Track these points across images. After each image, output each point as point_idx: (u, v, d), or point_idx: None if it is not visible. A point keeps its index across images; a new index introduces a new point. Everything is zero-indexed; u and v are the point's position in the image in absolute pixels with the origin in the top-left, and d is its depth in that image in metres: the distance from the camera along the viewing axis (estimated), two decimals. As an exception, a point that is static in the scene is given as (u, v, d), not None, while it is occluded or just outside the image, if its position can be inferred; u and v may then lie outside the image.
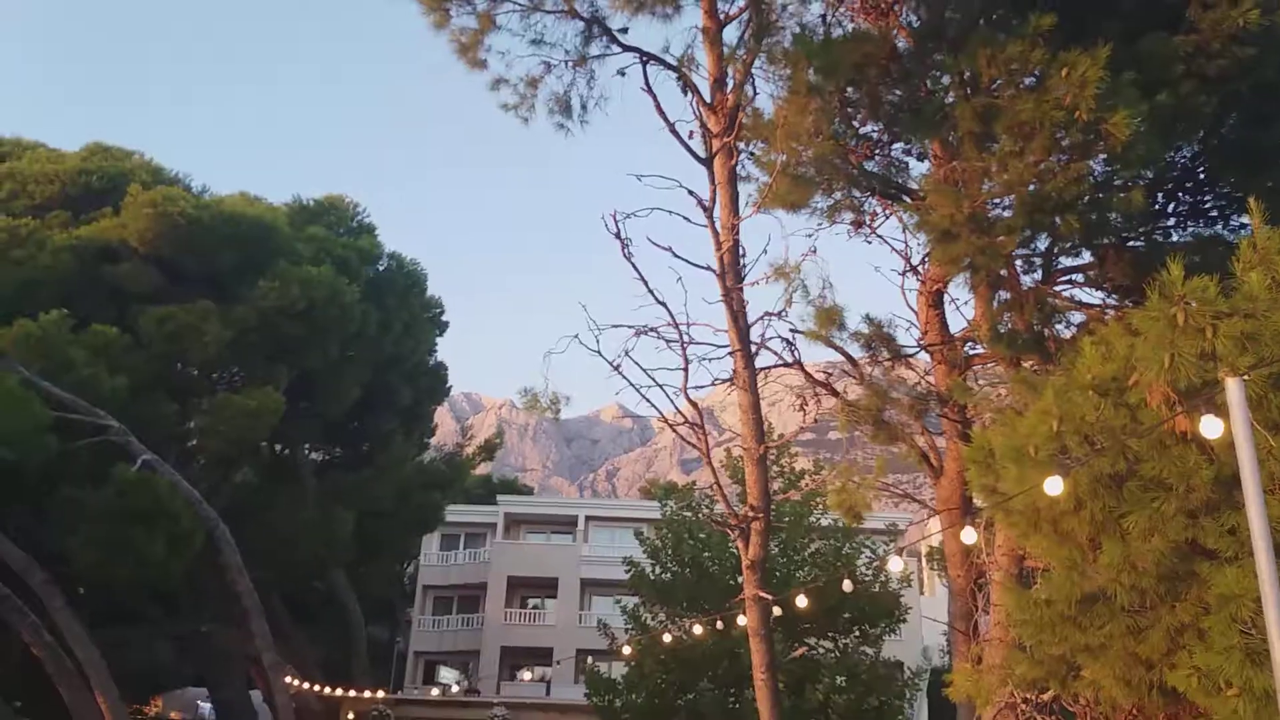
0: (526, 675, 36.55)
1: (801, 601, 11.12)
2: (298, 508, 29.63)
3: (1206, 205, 11.85)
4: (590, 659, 28.91)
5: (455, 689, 41.09)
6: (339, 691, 30.55)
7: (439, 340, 36.29)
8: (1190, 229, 12.07)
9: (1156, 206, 11.76)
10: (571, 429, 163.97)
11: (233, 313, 26.22)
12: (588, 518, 46.14)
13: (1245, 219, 8.93)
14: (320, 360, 28.65)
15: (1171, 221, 12.16)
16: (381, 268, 33.38)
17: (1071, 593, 7.03)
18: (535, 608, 44.41)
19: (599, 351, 12.69)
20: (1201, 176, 11.84)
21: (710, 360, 13.27)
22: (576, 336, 12.72)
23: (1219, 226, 11.61)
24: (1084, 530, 7.16)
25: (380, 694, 33.55)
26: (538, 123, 13.43)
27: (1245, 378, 5.55)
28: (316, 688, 29.27)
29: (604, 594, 40.85)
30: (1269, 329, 6.24)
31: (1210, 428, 5.54)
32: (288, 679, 27.05)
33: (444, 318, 36.30)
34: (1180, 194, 11.90)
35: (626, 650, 19.15)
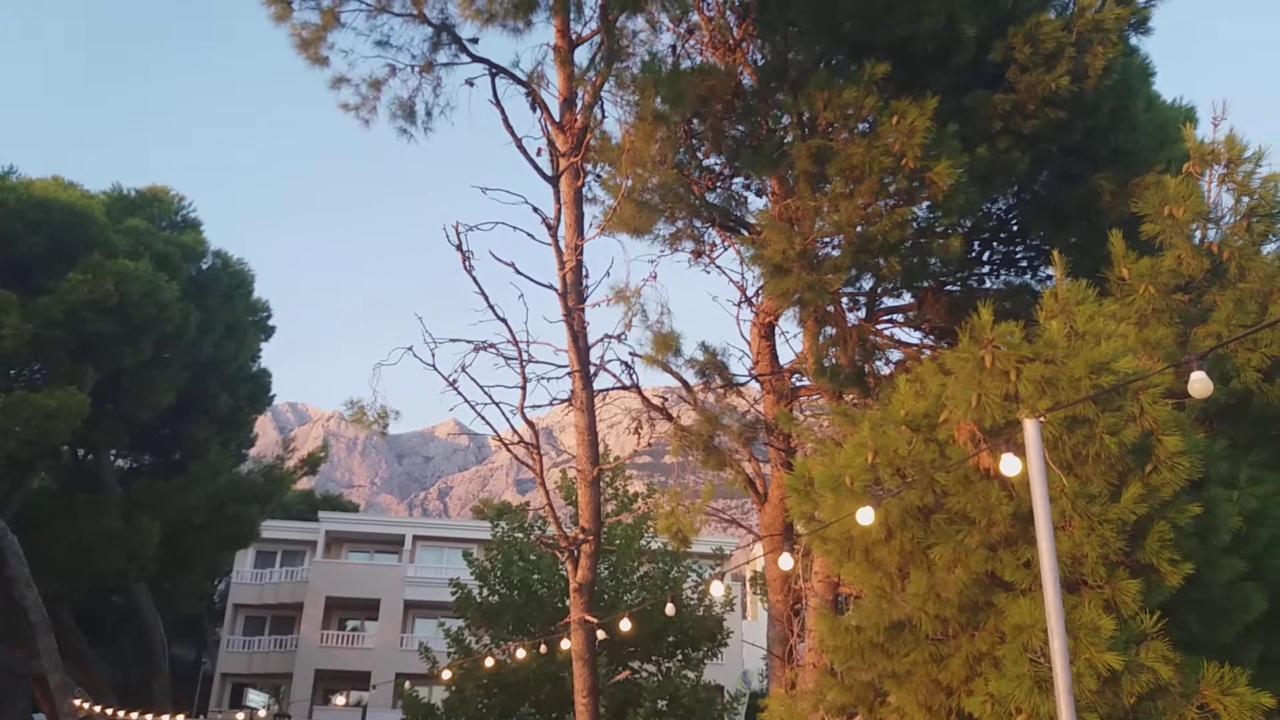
0: (340, 700, 35.11)
1: (626, 625, 11.09)
2: (100, 517, 27.58)
3: (1018, 256, 12.66)
4: (409, 683, 28.03)
5: (263, 713, 39.05)
6: (134, 715, 28.47)
7: (264, 345, 34.68)
8: (1002, 277, 12.87)
9: (973, 254, 12.47)
10: (404, 445, 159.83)
11: (35, 305, 24.26)
12: (415, 537, 44.88)
13: (1051, 270, 9.58)
14: (132, 360, 26.85)
15: (986, 269, 12.93)
16: (206, 266, 31.63)
17: (880, 620, 7.27)
18: (354, 630, 42.77)
19: (434, 365, 12.38)
20: (1014, 228, 12.64)
21: (549, 380, 13.20)
22: (410, 349, 12.37)
23: (1028, 276, 12.42)
24: (894, 559, 7.43)
25: (181, 718, 31.51)
26: (380, 126, 13.04)
27: (1042, 419, 5.89)
28: (109, 711, 27.17)
29: (428, 616, 39.81)
30: (1066, 375, 6.65)
31: (1009, 465, 5.84)
32: (77, 701, 25.00)
33: (271, 322, 34.72)
34: (995, 243, 12.66)
35: (446, 675, 18.65)
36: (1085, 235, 10.73)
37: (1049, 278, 11.82)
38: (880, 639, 7.23)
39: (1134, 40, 11.11)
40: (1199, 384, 4.87)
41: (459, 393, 12.44)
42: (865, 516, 6.60)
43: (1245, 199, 8.17)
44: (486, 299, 12.30)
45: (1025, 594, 6.44)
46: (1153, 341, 7.41)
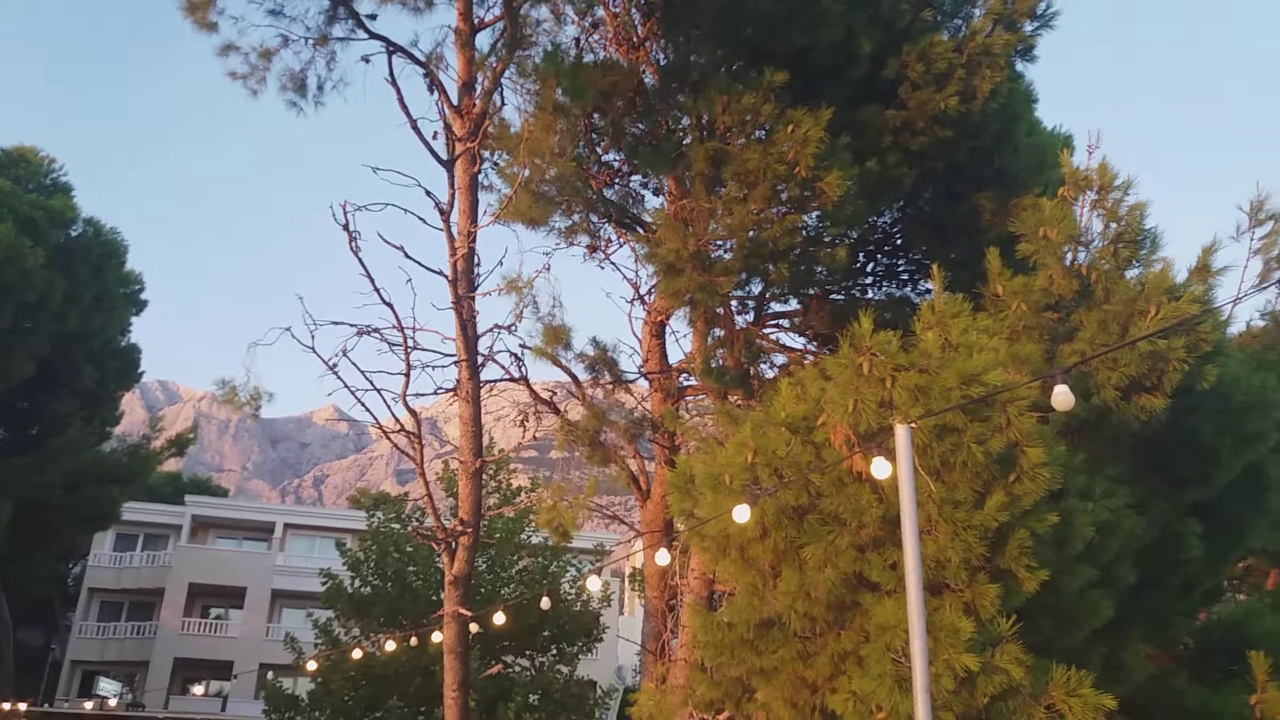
0: (199, 689, 33.77)
1: (500, 619, 10.97)
2: (-58, 493, 25.90)
3: (900, 268, 13.03)
4: (272, 674, 27.15)
5: (114, 702, 37.27)
6: (-29, 705, 26.80)
7: (135, 319, 33.06)
8: (885, 288, 13.23)
9: (858, 265, 12.79)
10: (279, 430, 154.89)
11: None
12: (286, 525, 43.51)
13: (931, 284, 9.89)
14: (-12, 328, 25.29)
15: (870, 280, 13.28)
16: (75, 233, 29.99)
17: (752, 617, 7.36)
18: (218, 618, 41.22)
19: (313, 348, 12.01)
20: (898, 242, 13.01)
21: (435, 368, 12.92)
22: (289, 330, 11.97)
23: (909, 289, 12.80)
24: (768, 558, 7.54)
25: (23, 706, 29.79)
26: (269, 97, 12.59)
27: (913, 425, 6.05)
28: (-59, 700, 25.52)
29: (297, 606, 38.67)
30: (938, 384, 6.86)
31: (880, 469, 5.99)
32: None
33: (143, 295, 33.13)
34: (879, 255, 13.01)
35: (312, 665, 18.12)
36: (965, 251, 11.10)
37: (928, 291, 12.20)
38: (751, 636, 7.33)
39: (1020, 66, 11.55)
40: (1061, 397, 5.08)
41: (339, 377, 12.11)
42: (741, 514, 6.67)
43: (1113, 225, 8.58)
44: (372, 282, 12.00)
45: (890, 595, 6.61)
46: (1022, 356, 7.71)
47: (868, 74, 10.93)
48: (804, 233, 11.34)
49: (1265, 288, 9.21)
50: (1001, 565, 6.60)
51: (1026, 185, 10.86)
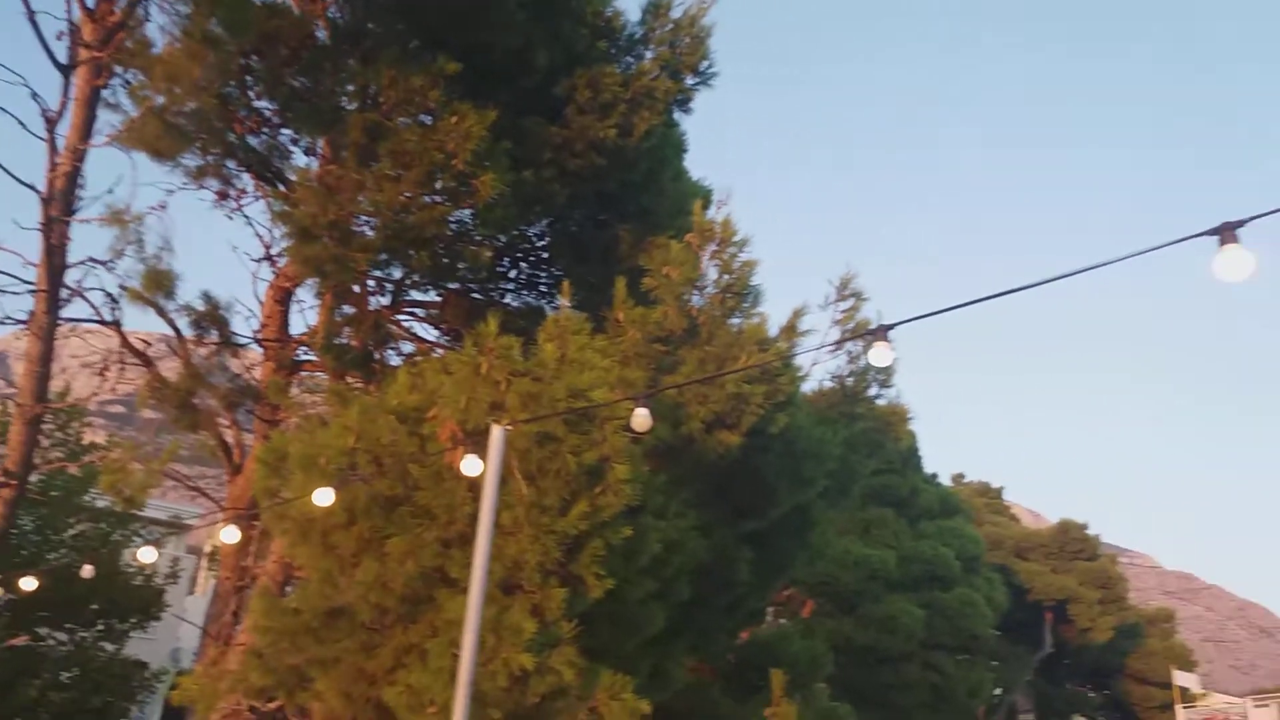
0: None
1: (30, 584, 9.70)
2: None
3: (541, 280, 13.38)
4: None
5: None
6: None
7: None
8: (524, 296, 13.51)
9: (502, 268, 12.96)
10: None
11: None
12: None
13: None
14: None
15: (511, 286, 13.49)
16: None
17: (321, 605, 7.13)
18: None
19: None
20: (544, 255, 13.35)
21: (7, 293, 11.25)
22: None
23: (545, 301, 13.17)
24: (351, 546, 7.34)
25: None
26: None
27: (509, 427, 6.21)
28: None
29: None
30: (548, 394, 7.11)
31: (470, 466, 6.07)
32: None
33: None
34: (524, 263, 13.27)
35: None
36: (601, 276, 11.62)
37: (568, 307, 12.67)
38: (317, 624, 7.09)
39: (677, 115, 12.37)
40: (640, 418, 5.46)
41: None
42: (323, 497, 6.45)
43: (726, 276, 9.42)
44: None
45: (465, 592, 6.70)
46: (629, 380, 8.21)
47: (539, 87, 11.16)
48: (453, 226, 11.31)
49: (837, 354, 10.62)
50: (574, 571, 6.94)
51: (663, 226, 11.61)
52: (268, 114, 12.89)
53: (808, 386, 12.27)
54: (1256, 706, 32.07)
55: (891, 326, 4.49)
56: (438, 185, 10.75)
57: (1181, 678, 34.71)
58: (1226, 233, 3.94)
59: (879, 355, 4.46)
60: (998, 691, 37.95)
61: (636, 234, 11.68)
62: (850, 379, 13.51)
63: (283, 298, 13.16)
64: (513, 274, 13.32)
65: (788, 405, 9.35)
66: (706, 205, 10.85)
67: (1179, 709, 32.96)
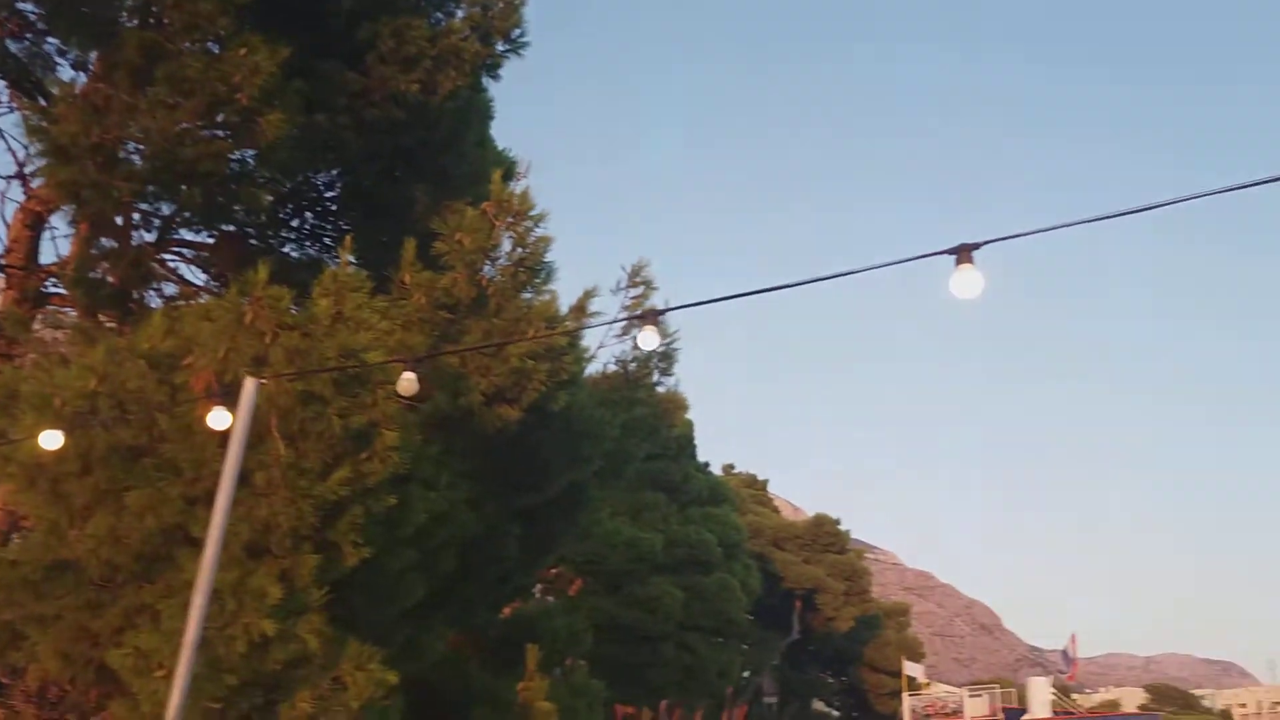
0: None
1: None
2: None
3: (327, 233, 12.77)
4: None
5: None
6: None
7: None
8: (307, 248, 12.86)
9: (285, 215, 12.28)
10: None
11: None
12: None
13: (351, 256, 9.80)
14: None
15: (294, 236, 12.81)
16: None
17: (45, 557, 6.54)
18: None
19: None
20: (333, 207, 12.76)
21: None
22: None
23: (329, 255, 12.58)
24: (84, 496, 6.77)
25: None
26: None
27: (263, 382, 5.90)
28: None
29: None
30: (318, 351, 6.80)
31: (218, 419, 5.73)
32: None
33: None
34: (309, 214, 12.63)
35: None
36: (391, 235, 11.23)
37: (350, 262, 12.16)
38: (38, 578, 6.49)
39: (486, 80, 12.10)
40: (406, 382, 5.32)
41: None
42: (51, 440, 5.90)
43: (520, 249, 9.33)
44: None
45: (209, 552, 6.32)
46: (409, 345, 7.98)
47: (342, 30, 10.63)
48: (233, 165, 10.60)
49: (624, 339, 10.76)
50: (330, 538, 6.68)
51: (462, 191, 11.34)
52: (33, 18, 11.64)
53: (593, 368, 12.39)
54: (971, 696, 35.30)
55: (661, 312, 4.60)
56: (219, 119, 10.04)
57: (910, 668, 37.74)
58: (963, 253, 4.29)
59: (647, 339, 4.56)
60: (746, 673, 39.99)
61: (432, 196, 11.35)
62: (634, 364, 13.74)
63: (33, 222, 11.91)
64: (295, 223, 12.65)
65: (570, 384, 9.39)
66: (509, 176, 10.68)
67: (905, 696, 35.80)
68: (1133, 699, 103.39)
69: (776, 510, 52.99)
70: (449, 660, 9.26)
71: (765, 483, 51.65)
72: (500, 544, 9.51)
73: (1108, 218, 4.54)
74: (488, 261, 9.33)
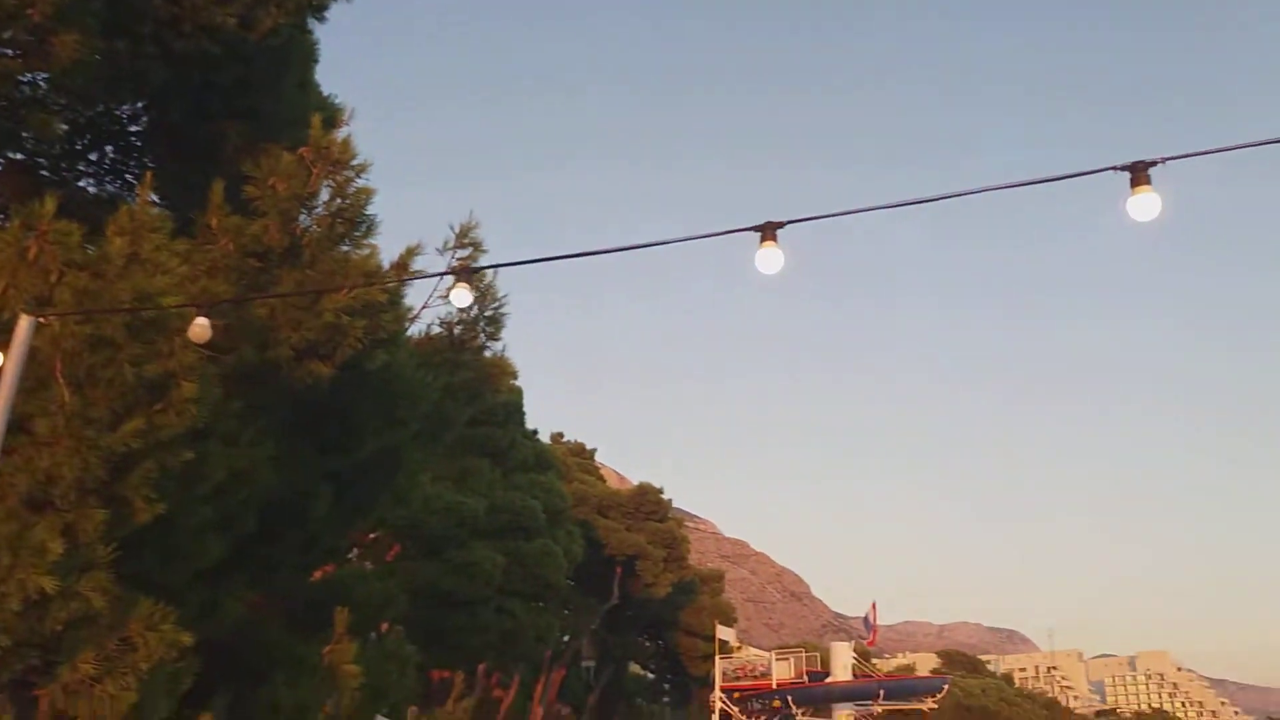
0: None
1: None
2: None
3: (129, 169, 11.89)
4: None
5: None
6: None
7: None
8: (107, 185, 11.94)
9: (81, 147, 11.36)
10: None
11: None
12: None
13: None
14: None
15: (91, 170, 11.87)
16: None
17: None
18: None
19: None
20: (136, 142, 11.88)
21: None
22: None
23: (130, 194, 11.73)
24: None
25: None
26: None
27: (42, 321, 5.47)
28: None
29: None
30: (110, 293, 6.34)
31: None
32: None
33: None
34: (109, 147, 11.73)
35: None
36: (200, 176, 10.56)
37: (153, 202, 11.38)
38: None
39: (311, 23, 11.51)
40: (199, 329, 5.07)
41: None
42: None
43: (339, 200, 8.97)
44: None
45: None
46: (211, 292, 7.54)
47: (150, -48, 9.85)
48: (24, 89, 9.71)
49: (448, 299, 10.48)
50: (120, 492, 6.27)
51: (279, 134, 10.75)
52: None
53: (416, 329, 12.08)
54: (779, 660, 36.87)
55: (477, 270, 4.53)
56: (7, 35, 9.15)
57: (723, 632, 39.03)
58: (768, 231, 4.45)
59: (460, 296, 4.48)
60: (565, 638, 40.41)
61: (246, 137, 10.74)
62: (459, 327, 13.49)
63: None
64: (94, 156, 11.72)
65: (389, 343, 9.11)
66: (331, 123, 10.21)
67: (718, 659, 37.06)
68: (926, 663, 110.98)
69: (603, 479, 53.58)
70: (250, 623, 8.89)
71: (594, 451, 52.11)
72: (308, 505, 9.18)
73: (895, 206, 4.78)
74: (303, 210, 8.92)
